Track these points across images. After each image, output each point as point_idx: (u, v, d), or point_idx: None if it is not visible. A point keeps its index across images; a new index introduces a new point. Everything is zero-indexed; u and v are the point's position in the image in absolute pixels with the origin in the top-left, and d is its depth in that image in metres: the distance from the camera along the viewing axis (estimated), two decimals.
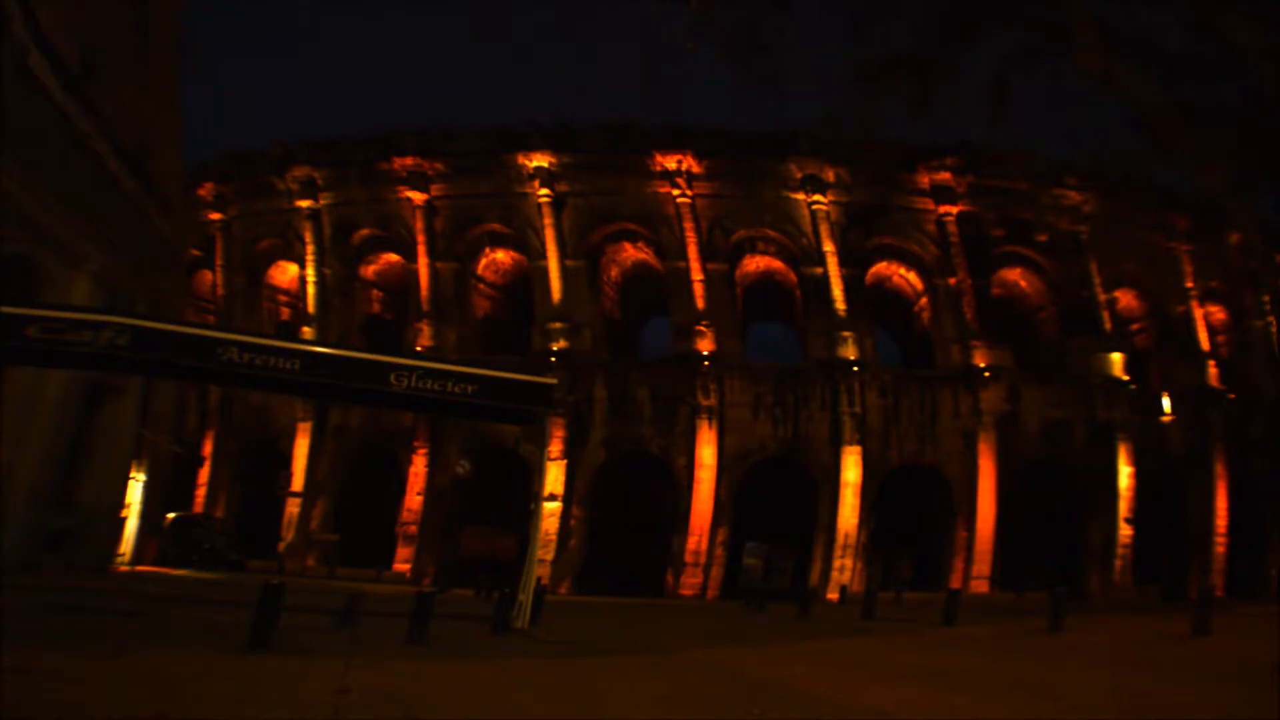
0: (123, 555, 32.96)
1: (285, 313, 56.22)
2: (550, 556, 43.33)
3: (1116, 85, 14.74)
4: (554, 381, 20.73)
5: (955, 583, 41.99)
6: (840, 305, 46.68)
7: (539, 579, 20.13)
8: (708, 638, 19.85)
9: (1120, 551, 44.96)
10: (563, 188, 49.07)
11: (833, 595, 41.32)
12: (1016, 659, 15.46)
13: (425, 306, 49.41)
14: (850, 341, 46.01)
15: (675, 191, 47.88)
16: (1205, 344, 49.68)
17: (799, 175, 47.61)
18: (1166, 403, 40.95)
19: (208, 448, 50.65)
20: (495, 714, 8.76)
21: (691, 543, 44.32)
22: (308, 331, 49.72)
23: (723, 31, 15.86)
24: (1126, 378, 46.82)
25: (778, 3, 15.76)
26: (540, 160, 48.86)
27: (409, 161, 50.43)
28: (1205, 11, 13.88)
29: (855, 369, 45.58)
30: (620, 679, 11.74)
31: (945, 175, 47.80)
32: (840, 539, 44.09)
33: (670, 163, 47.81)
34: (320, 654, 12.52)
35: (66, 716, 7.19)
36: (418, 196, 50.43)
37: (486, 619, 18.12)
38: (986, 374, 45.88)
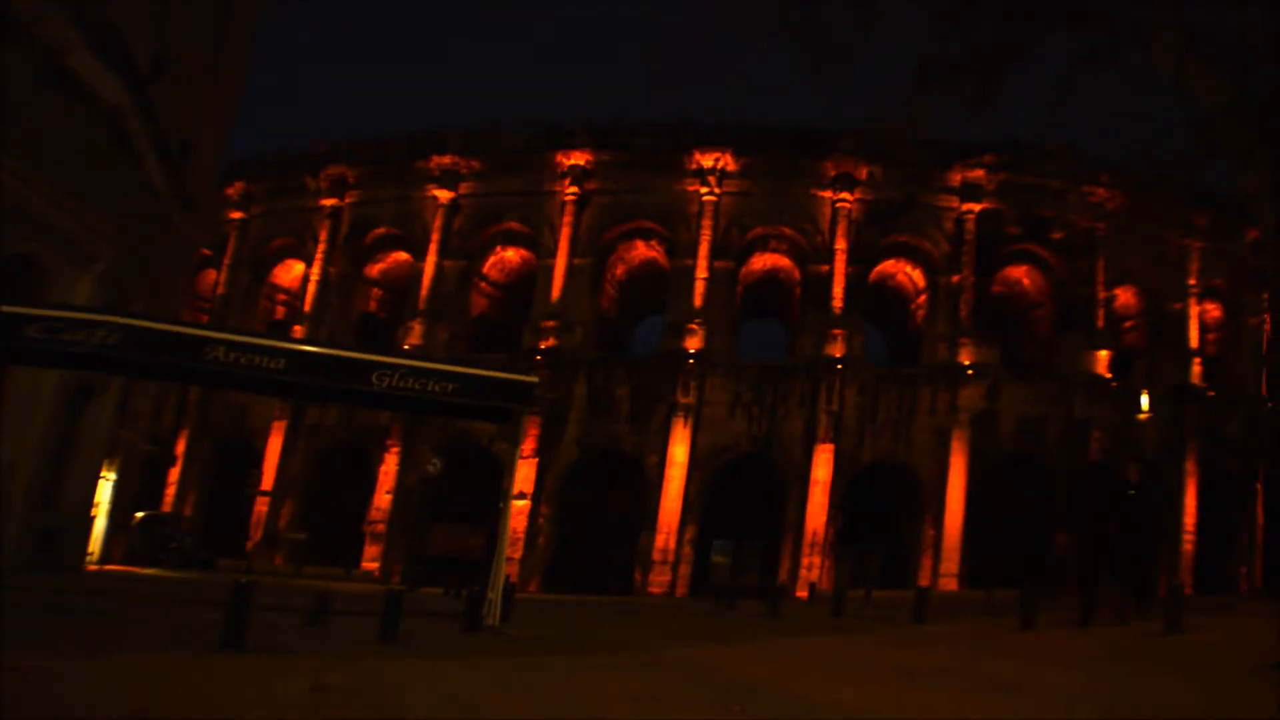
0: (92, 554, 32.76)
1: (281, 311, 56.11)
2: (519, 554, 43.29)
3: (1189, 83, 14.82)
4: (535, 380, 20.69)
5: (923, 580, 42.21)
6: (838, 303, 46.84)
7: (507, 577, 20.07)
8: (680, 635, 19.84)
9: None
10: (592, 185, 49.19)
11: (801, 593, 41.40)
12: (990, 657, 15.52)
13: (422, 305, 49.38)
14: (840, 339, 46.15)
15: (704, 189, 48.05)
16: (1195, 341, 50.04)
17: (833, 173, 47.83)
18: (1145, 400, 41.20)
19: (181, 446, 50.33)
20: (475, 713, 8.72)
21: (660, 540, 44.37)
22: (299, 330, 49.50)
23: (800, 30, 15.77)
24: (1109, 375, 47.16)
25: (861, 2, 15.71)
26: (579, 158, 48.94)
27: (446, 160, 50.52)
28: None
29: (838, 367, 45.72)
30: (596, 677, 11.70)
31: (978, 173, 48.09)
32: (808, 536, 44.23)
33: (708, 160, 47.99)
34: (293, 653, 12.45)
35: (47, 716, 7.11)
36: (444, 194, 50.56)
37: (457, 617, 18.07)
38: (969, 371, 46.12)
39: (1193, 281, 50.43)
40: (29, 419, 22.87)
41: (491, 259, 52.73)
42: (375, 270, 54.39)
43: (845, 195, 47.89)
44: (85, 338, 16.92)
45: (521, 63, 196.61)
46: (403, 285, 52.51)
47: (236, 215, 54.24)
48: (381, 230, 52.45)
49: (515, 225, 50.71)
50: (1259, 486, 48.42)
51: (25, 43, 16.68)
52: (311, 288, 51.53)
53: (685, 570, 44.51)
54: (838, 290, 47.07)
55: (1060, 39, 15.87)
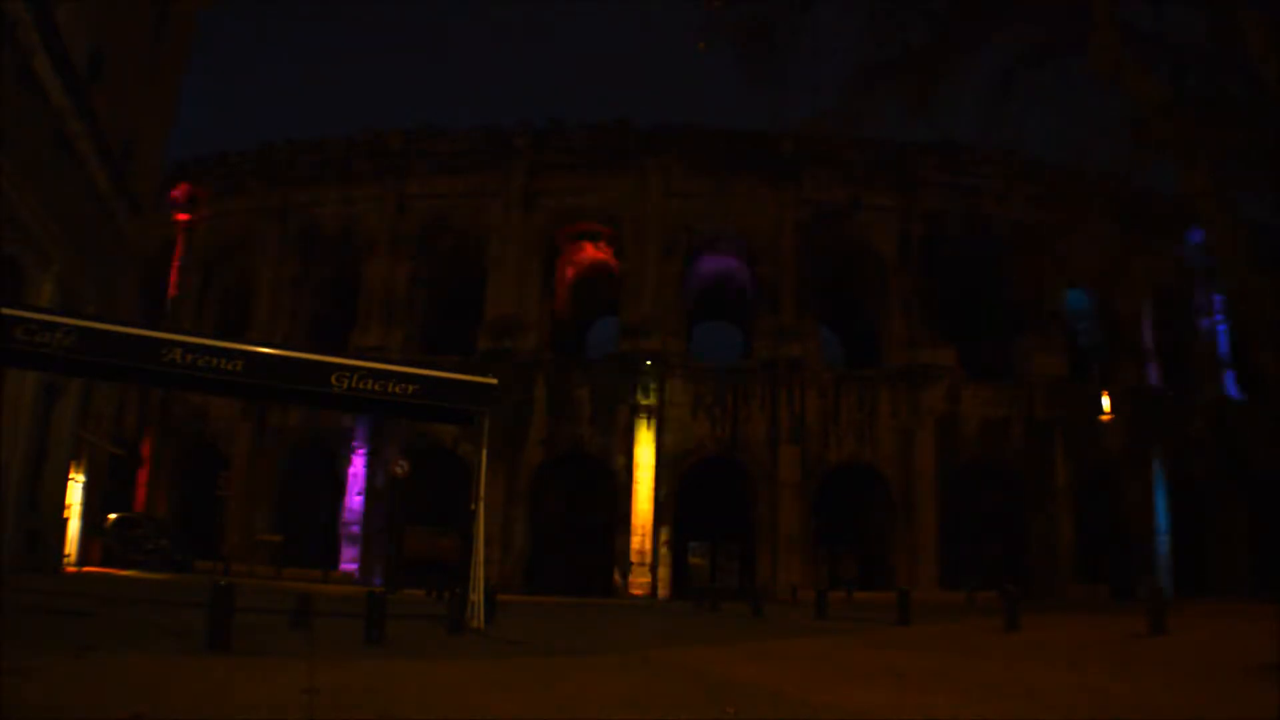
0: (69, 556, 32.49)
1: (232, 313, 55.51)
2: (496, 556, 43.05)
3: (1126, 83, 14.85)
4: (494, 381, 20.44)
5: (901, 582, 42.19)
6: (790, 305, 46.80)
7: (487, 579, 19.94)
8: (666, 637, 19.78)
9: (1064, 551, 45.39)
10: (538, 186, 48.92)
11: (782, 595, 41.39)
12: (979, 658, 15.50)
13: (374, 306, 48.97)
14: (796, 341, 46.13)
15: (650, 190, 47.86)
16: (1150, 343, 50.16)
17: (777, 175, 47.80)
18: (1106, 402, 41.30)
19: (147, 448, 49.83)
20: (469, 714, 8.62)
21: (635, 542, 44.23)
22: (252, 332, 48.99)
23: (739, 31, 15.77)
24: (1066, 376, 47.32)
25: (797, 3, 15.74)
26: (525, 160, 48.78)
27: (391, 161, 50.22)
28: (1227, 9, 14.00)
29: (797, 369, 45.71)
30: (587, 679, 11.63)
31: (922, 174, 48.21)
32: (784, 539, 44.18)
33: (653, 162, 47.84)
34: (281, 654, 12.34)
35: (44, 717, 6.97)
36: (391, 196, 50.07)
37: (440, 619, 17.99)
38: (928, 373, 46.17)
39: (1142, 283, 50.45)
40: (17, 420, 22.76)
41: (441, 260, 52.08)
42: (325, 271, 53.57)
43: (789, 197, 47.95)
44: (60, 339, 16.82)
45: (464, 64, 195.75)
46: (354, 286, 51.65)
47: (183, 217, 53.54)
48: (330, 231, 51.85)
49: (462, 226, 50.24)
50: (1228, 486, 48.54)
51: (14, 44, 16.64)
52: (262, 289, 51.17)
53: (665, 572, 44.37)
54: (789, 292, 47.09)
55: (998, 40, 15.94)
